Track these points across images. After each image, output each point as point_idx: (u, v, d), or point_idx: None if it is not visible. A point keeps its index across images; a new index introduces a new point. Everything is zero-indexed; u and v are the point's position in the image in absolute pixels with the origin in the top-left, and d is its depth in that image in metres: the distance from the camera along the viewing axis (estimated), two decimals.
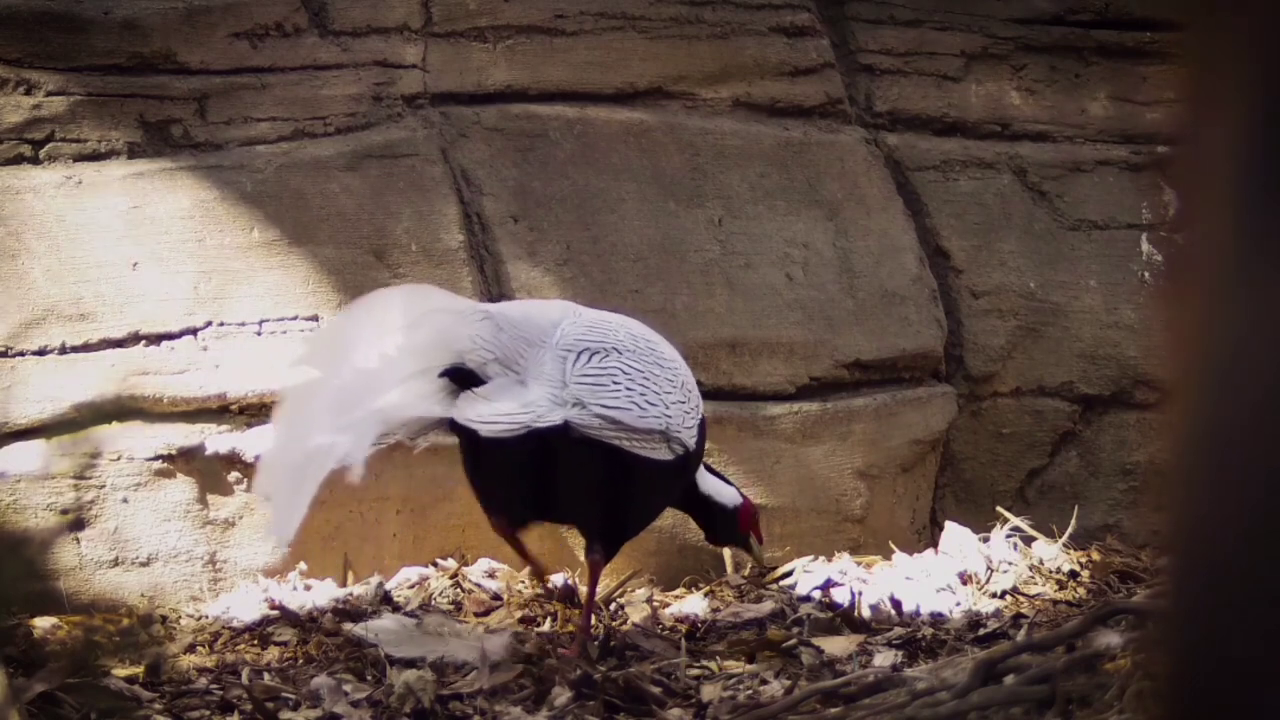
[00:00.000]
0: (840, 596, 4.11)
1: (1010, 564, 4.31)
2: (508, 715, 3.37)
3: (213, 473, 4.01)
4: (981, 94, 4.76)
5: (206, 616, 3.91)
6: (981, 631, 3.91)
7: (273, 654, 3.72)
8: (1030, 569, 4.30)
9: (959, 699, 2.97)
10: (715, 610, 4.01)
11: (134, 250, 4.02)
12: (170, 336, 4.01)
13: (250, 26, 4.18)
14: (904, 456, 4.49)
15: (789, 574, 4.28)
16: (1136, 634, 3.01)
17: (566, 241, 4.32)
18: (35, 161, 4.04)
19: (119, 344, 3.98)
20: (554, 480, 3.68)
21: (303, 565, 4.03)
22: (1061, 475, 4.65)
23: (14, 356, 3.92)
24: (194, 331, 4.02)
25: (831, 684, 3.27)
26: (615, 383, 3.68)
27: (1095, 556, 4.39)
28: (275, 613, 3.88)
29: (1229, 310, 1.36)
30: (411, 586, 4.07)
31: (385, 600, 3.97)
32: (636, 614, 3.97)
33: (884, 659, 3.66)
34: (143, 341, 4.00)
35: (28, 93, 4.03)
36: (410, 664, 3.60)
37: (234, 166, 4.12)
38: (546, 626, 3.91)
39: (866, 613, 4.02)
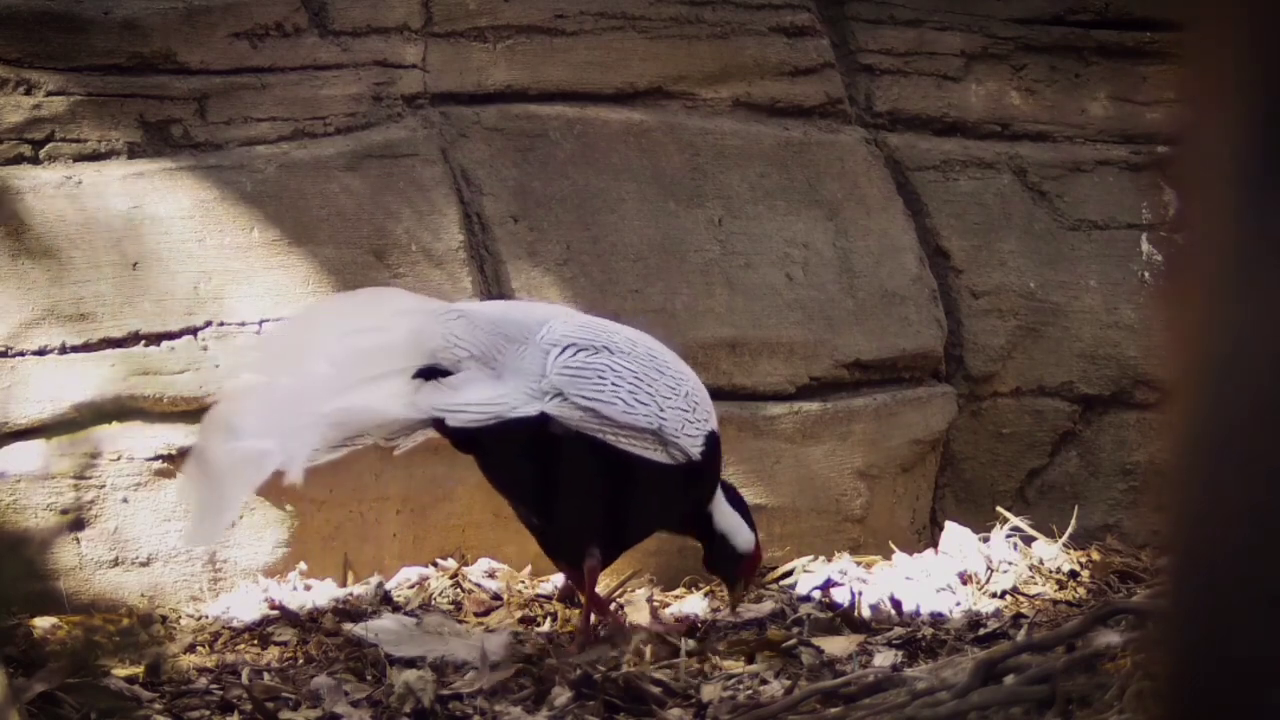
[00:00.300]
0: (840, 596, 4.11)
1: (1010, 564, 4.31)
2: (508, 715, 3.37)
3: None
4: (981, 94, 4.76)
5: (206, 616, 3.91)
6: (981, 631, 3.91)
7: (273, 654, 3.72)
8: (1030, 569, 4.30)
9: (959, 699, 2.97)
10: (715, 610, 4.01)
11: (134, 250, 4.02)
12: (170, 336, 4.01)
13: (250, 26, 4.18)
14: (904, 456, 4.49)
15: (789, 574, 4.28)
16: (1136, 634, 3.01)
17: (566, 241, 4.32)
18: (35, 161, 4.04)
19: (119, 344, 3.98)
20: (542, 479, 3.66)
21: (303, 565, 4.04)
22: (1061, 475, 4.65)
23: (14, 356, 3.92)
24: (194, 331, 4.02)
25: (831, 684, 3.26)
26: (601, 377, 3.64)
27: (1095, 556, 4.39)
28: (275, 613, 3.88)
29: (1229, 310, 1.36)
30: (411, 586, 4.07)
31: (385, 600, 3.97)
32: (636, 614, 3.97)
33: (884, 659, 3.66)
34: (143, 341, 4.00)
35: (28, 93, 4.03)
36: (410, 664, 3.60)
37: (234, 166, 4.12)
38: (546, 626, 3.91)
39: (866, 613, 4.02)
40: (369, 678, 3.56)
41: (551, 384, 3.59)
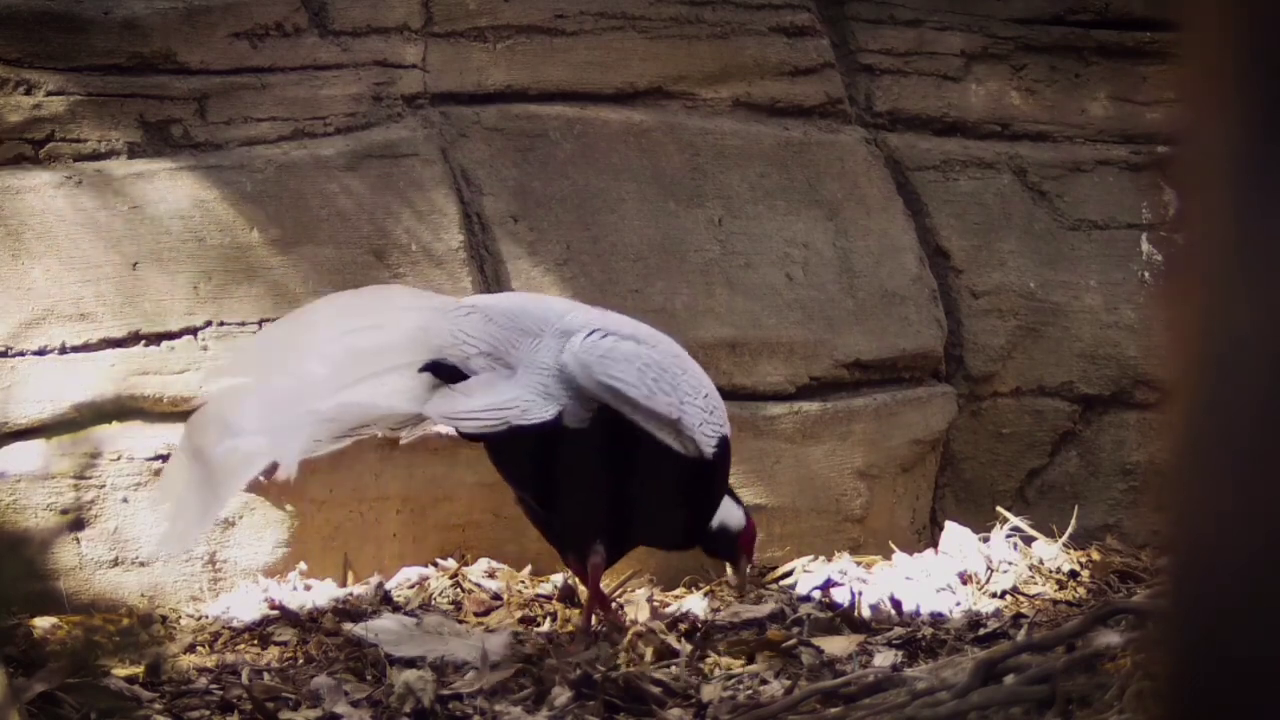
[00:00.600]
0: (840, 596, 4.11)
1: (1010, 564, 4.31)
2: (508, 715, 3.37)
3: None
4: (981, 94, 4.76)
5: (206, 616, 3.91)
6: (981, 631, 3.91)
7: (273, 654, 3.72)
8: (1030, 569, 4.30)
9: (959, 699, 2.97)
10: (715, 610, 4.00)
11: (134, 250, 4.02)
12: (170, 336, 4.01)
13: (250, 26, 4.18)
14: (904, 456, 4.49)
15: (789, 574, 4.28)
16: (1136, 634, 3.01)
17: (566, 241, 4.32)
18: (35, 161, 4.04)
19: (119, 344, 3.98)
20: (553, 475, 3.65)
21: (303, 565, 4.03)
22: (1061, 475, 4.65)
23: (14, 356, 3.92)
24: (194, 331, 4.02)
25: (831, 684, 3.26)
26: (627, 360, 3.64)
27: (1095, 556, 4.39)
28: (275, 613, 3.88)
29: (1229, 310, 1.36)
30: (411, 586, 4.07)
31: (385, 600, 3.97)
32: (636, 613, 3.97)
33: (884, 659, 3.66)
34: (143, 341, 4.00)
35: (28, 93, 4.03)
36: (410, 664, 3.59)
37: (234, 166, 4.12)
38: (546, 626, 3.91)
39: (866, 613, 4.02)
40: (369, 678, 3.56)
41: (577, 359, 3.58)
